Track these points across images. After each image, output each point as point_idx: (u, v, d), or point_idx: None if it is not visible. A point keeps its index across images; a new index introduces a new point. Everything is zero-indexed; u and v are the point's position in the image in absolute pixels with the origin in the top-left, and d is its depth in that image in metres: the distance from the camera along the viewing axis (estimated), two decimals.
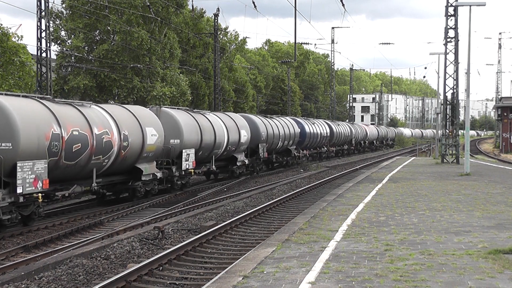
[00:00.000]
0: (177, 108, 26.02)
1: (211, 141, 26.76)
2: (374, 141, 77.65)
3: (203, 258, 12.25)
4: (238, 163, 30.35)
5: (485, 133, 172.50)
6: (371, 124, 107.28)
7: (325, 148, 51.14)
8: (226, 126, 28.82)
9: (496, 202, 16.02)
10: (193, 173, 25.23)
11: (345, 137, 58.66)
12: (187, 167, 24.17)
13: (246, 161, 31.29)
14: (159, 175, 22.17)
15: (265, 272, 8.43)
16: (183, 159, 23.74)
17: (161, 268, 11.10)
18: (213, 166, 27.98)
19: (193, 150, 24.68)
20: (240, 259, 9.77)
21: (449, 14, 33.66)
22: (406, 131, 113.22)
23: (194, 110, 27.39)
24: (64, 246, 13.88)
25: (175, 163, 23.51)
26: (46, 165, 15.62)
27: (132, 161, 20.75)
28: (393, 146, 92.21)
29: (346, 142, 59.56)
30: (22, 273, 10.59)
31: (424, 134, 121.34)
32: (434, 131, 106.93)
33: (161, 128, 22.36)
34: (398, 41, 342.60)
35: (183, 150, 23.77)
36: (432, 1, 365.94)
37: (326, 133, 50.43)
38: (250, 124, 32.51)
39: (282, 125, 38.59)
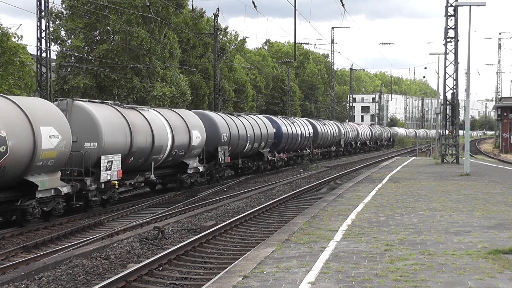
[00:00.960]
0: (100, 102, 20.89)
1: (147, 144, 21.28)
2: (368, 142, 72.83)
3: (203, 258, 12.25)
4: (189, 171, 24.81)
5: (478, 134, 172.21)
6: (371, 123, 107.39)
7: (308, 150, 45.17)
8: (171, 126, 23.30)
9: (496, 202, 16.02)
10: (117, 186, 19.90)
11: (333, 138, 53.49)
12: (108, 178, 19.01)
13: (201, 168, 25.77)
14: (65, 189, 17.15)
15: (265, 272, 8.43)
16: (101, 168, 18.63)
17: (161, 268, 11.10)
18: (153, 176, 22.14)
19: (118, 156, 19.51)
20: (240, 259, 9.77)
21: (449, 14, 33.66)
22: (401, 131, 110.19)
23: (125, 105, 22.19)
24: (64, 246, 13.88)
25: (92, 173, 18.59)
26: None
27: (18, 174, 15.69)
28: (389, 146, 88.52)
29: (333, 143, 54.67)
30: (22, 273, 10.59)
31: (417, 134, 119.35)
32: (427, 130, 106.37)
33: (66, 126, 17.30)
34: (398, 41, 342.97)
35: (102, 157, 18.70)
36: (432, 1, 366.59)
37: (309, 134, 44.70)
38: (206, 123, 27.04)
39: (252, 125, 32.94)
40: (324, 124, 51.64)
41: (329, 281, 7.82)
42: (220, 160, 27.99)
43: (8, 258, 12.99)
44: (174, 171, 24.75)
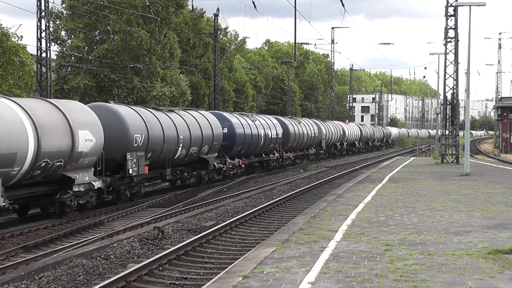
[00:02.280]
0: None
1: None
2: (356, 143, 65.37)
3: (203, 258, 12.25)
4: (76, 188, 17.74)
5: (479, 134, 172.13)
6: (371, 123, 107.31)
7: (277, 155, 37.63)
8: (36, 123, 15.91)
9: (496, 202, 16.02)
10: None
11: (310, 139, 45.59)
12: None
13: (98, 184, 18.66)
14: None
15: (265, 272, 8.43)
16: None
17: (161, 268, 11.10)
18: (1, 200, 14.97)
19: None
20: (240, 259, 9.77)
21: (449, 14, 33.67)
22: (394, 130, 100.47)
23: None
24: (64, 246, 13.88)
25: None
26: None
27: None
28: (382, 148, 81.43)
29: (312, 144, 46.98)
30: (22, 273, 10.59)
31: (410, 134, 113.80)
32: (419, 130, 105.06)
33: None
34: (398, 41, 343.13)
35: None
36: (431, 1, 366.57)
37: (276, 135, 36.99)
38: (106, 121, 19.59)
39: (188, 123, 25.38)
40: (299, 122, 44.30)
41: (329, 281, 7.82)
42: (131, 172, 20.46)
43: (8, 258, 12.99)
44: (49, 190, 17.56)
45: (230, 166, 29.61)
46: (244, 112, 40.86)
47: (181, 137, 24.43)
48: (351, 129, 62.55)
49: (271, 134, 36.22)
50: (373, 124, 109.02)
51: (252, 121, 33.83)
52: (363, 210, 14.64)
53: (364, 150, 69.96)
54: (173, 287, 10.20)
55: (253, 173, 34.99)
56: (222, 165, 28.53)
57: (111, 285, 9.61)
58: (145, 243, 13.41)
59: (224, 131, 29.67)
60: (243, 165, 32.85)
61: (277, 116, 41.94)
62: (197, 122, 26.39)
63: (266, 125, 35.85)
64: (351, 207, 15.35)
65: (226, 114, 31.78)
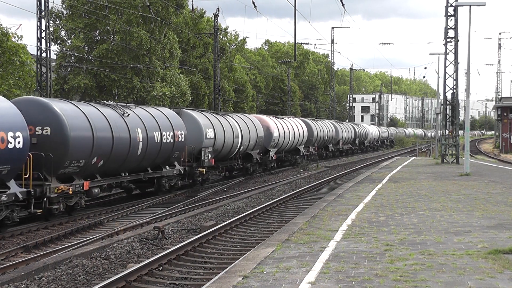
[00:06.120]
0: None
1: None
2: (330, 147, 54.28)
3: (203, 258, 12.25)
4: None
5: (477, 133, 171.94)
6: (371, 123, 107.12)
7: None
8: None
9: (496, 202, 16.02)
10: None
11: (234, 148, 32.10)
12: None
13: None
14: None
15: (265, 272, 8.43)
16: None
17: (161, 268, 11.10)
18: None
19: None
20: (240, 259, 9.77)
21: (449, 14, 33.67)
22: (374, 130, 78.91)
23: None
24: (64, 246, 13.89)
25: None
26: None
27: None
28: (352, 153, 63.38)
29: (236, 155, 32.21)
30: (22, 273, 10.59)
31: (390, 134, 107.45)
32: (406, 130, 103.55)
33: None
34: (398, 41, 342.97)
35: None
36: (428, 1, 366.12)
37: (179, 139, 25.60)
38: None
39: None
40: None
41: (329, 281, 7.82)
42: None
43: (8, 258, 12.99)
44: None
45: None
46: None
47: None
48: (321, 130, 49.99)
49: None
50: (373, 123, 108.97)
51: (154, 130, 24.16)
52: (363, 210, 14.65)
53: (337, 154, 57.34)
54: (173, 287, 10.20)
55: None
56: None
57: (111, 285, 9.61)
58: (145, 243, 13.41)
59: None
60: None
61: (204, 110, 32.16)
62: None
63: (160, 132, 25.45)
64: (351, 207, 15.35)
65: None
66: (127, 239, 13.59)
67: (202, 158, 25.93)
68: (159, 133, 22.43)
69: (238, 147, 30.86)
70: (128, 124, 20.45)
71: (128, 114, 20.94)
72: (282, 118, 42.45)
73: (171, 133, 23.39)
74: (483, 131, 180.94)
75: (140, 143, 21.02)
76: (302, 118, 51.32)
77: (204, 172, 26.32)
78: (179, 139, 24.07)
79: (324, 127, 52.50)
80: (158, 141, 22.31)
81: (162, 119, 23.29)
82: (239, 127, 30.97)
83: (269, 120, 37.79)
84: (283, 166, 41.31)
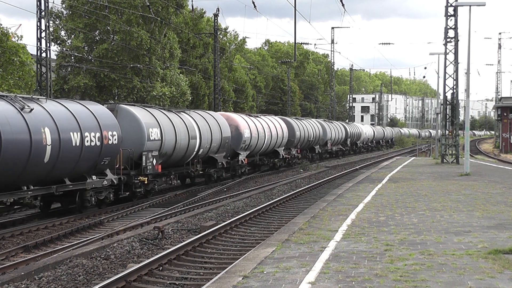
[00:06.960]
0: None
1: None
2: (317, 148, 49.77)
3: (203, 258, 12.25)
4: None
5: (479, 134, 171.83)
6: (371, 123, 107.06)
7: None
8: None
9: (496, 202, 16.02)
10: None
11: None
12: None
13: None
14: None
15: (265, 272, 8.43)
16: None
17: (161, 268, 11.10)
18: None
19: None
20: (240, 259, 9.77)
21: (449, 14, 33.66)
22: (369, 130, 75.45)
23: None
24: (64, 246, 13.89)
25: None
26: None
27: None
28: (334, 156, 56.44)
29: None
30: (22, 273, 10.59)
31: (386, 134, 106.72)
32: (393, 129, 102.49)
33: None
34: (398, 41, 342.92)
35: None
36: (428, 1, 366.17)
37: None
38: None
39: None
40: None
41: (329, 281, 7.82)
42: None
43: (8, 258, 12.99)
44: None
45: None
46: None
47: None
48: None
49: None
50: (373, 124, 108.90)
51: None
52: (363, 210, 14.65)
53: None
54: (173, 287, 10.20)
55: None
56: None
57: (111, 285, 9.61)
58: (145, 243, 13.41)
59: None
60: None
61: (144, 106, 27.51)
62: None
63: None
64: (351, 207, 15.35)
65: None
66: (127, 239, 13.59)
67: (144, 164, 21.33)
68: (79, 134, 17.80)
69: (195, 150, 25.94)
70: (28, 122, 15.85)
71: (31, 109, 16.33)
72: (257, 116, 37.28)
73: (98, 134, 18.67)
74: (474, 131, 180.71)
75: (48, 147, 16.37)
76: (282, 116, 44.84)
77: (146, 182, 21.60)
78: (110, 142, 19.27)
79: (308, 126, 46.57)
80: (78, 144, 17.64)
81: (85, 117, 18.58)
82: (197, 126, 26.22)
83: (239, 118, 32.74)
84: (260, 171, 36.83)
